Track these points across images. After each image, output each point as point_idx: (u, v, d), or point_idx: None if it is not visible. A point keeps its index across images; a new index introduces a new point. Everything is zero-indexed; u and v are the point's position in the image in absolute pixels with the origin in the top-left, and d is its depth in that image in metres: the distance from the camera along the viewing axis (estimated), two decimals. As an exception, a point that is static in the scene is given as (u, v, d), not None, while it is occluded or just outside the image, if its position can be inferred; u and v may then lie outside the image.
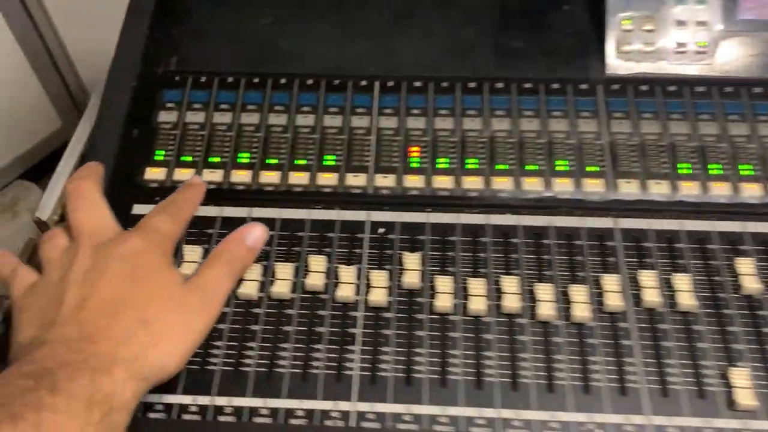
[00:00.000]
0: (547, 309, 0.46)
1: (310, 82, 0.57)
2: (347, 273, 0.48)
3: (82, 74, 1.69)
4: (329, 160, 0.54)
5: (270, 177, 0.53)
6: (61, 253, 0.46)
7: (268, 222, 0.51)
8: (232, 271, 0.45)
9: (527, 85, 0.56)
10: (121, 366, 0.39)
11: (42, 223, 0.59)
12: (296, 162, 0.54)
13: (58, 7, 1.51)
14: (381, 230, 0.51)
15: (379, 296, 0.47)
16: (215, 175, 0.53)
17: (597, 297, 0.47)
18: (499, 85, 0.56)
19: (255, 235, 0.47)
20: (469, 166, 0.53)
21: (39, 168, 1.71)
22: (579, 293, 0.47)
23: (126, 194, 0.52)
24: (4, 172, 1.60)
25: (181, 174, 0.53)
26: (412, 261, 0.48)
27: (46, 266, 0.46)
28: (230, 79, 0.57)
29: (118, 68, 0.59)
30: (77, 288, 0.42)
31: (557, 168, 0.53)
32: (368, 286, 0.48)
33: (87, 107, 0.69)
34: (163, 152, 0.54)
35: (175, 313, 0.42)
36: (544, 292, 0.47)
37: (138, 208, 0.52)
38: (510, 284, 0.47)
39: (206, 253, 0.49)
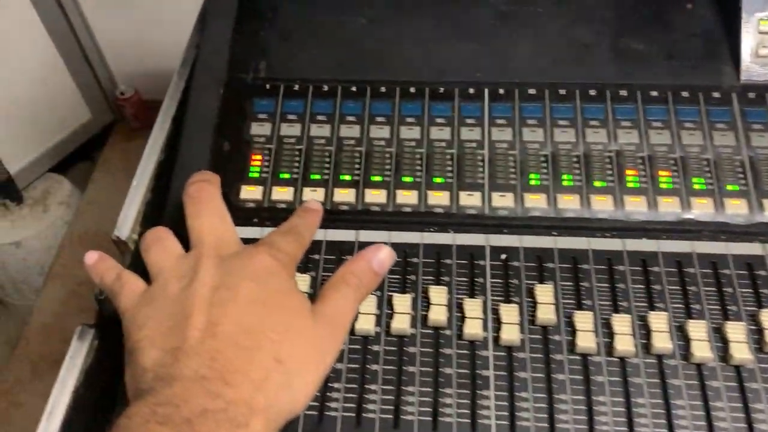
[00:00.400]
0: (701, 349, 0.41)
1: (412, 90, 0.52)
2: (473, 306, 0.43)
3: (113, 66, 1.66)
4: (439, 177, 0.49)
5: (376, 196, 0.49)
6: (177, 261, 0.41)
7: (378, 246, 0.46)
8: (357, 296, 0.41)
9: (654, 93, 0.51)
10: (260, 417, 0.34)
11: (121, 243, 0.55)
12: (403, 179, 0.49)
13: (89, -1, 1.48)
14: (503, 257, 0.46)
15: (511, 334, 0.42)
16: (317, 195, 0.49)
17: (755, 335, 0.42)
18: (623, 92, 0.51)
19: (381, 257, 0.42)
20: (597, 184, 0.48)
21: (69, 161, 1.69)
22: (735, 331, 0.42)
23: (221, 215, 0.48)
24: (34, 165, 1.57)
25: (280, 193, 0.49)
26: (544, 293, 0.44)
27: (158, 275, 0.41)
28: (325, 88, 0.53)
29: (203, 74, 0.54)
30: (205, 308, 0.37)
31: (694, 186, 0.48)
32: (497, 321, 0.43)
33: (159, 112, 0.64)
34: (259, 169, 0.50)
35: (307, 347, 0.38)
36: (696, 330, 0.42)
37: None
38: (657, 322, 0.42)
39: (314, 281, 0.45)
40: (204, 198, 0.43)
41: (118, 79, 1.69)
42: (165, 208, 0.51)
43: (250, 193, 0.49)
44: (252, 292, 0.38)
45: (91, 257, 0.45)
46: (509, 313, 0.43)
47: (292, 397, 0.36)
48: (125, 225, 0.55)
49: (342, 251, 0.46)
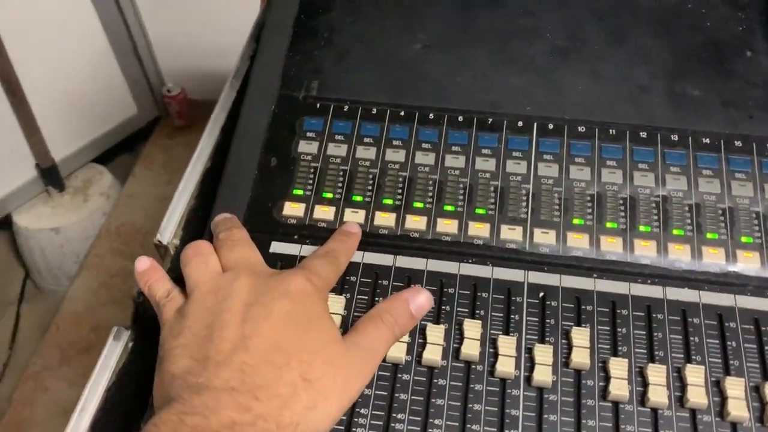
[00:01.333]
0: (737, 408, 0.40)
1: (461, 118, 0.52)
2: (506, 344, 0.43)
3: (162, 64, 1.69)
4: (481, 208, 0.49)
5: (416, 223, 0.49)
6: (214, 277, 0.42)
7: (415, 274, 0.47)
8: (392, 335, 0.41)
9: (706, 140, 0.50)
10: None
11: (162, 247, 0.56)
12: (444, 208, 0.49)
13: (146, -3, 1.51)
14: (541, 295, 0.45)
15: (543, 375, 0.42)
16: (357, 216, 0.49)
17: (795, 398, 0.41)
18: (674, 137, 0.51)
19: (420, 302, 0.42)
20: (642, 229, 0.47)
21: (111, 153, 1.72)
22: (775, 393, 0.41)
23: (263, 230, 0.49)
24: (78, 155, 1.61)
25: (322, 212, 0.49)
26: (580, 336, 0.43)
27: (195, 289, 0.42)
28: (374, 110, 0.53)
29: (256, 89, 0.55)
30: (239, 323, 0.38)
31: (741, 239, 0.47)
32: (530, 360, 0.42)
33: (209, 120, 0.65)
34: (303, 187, 0.50)
35: (335, 373, 0.38)
36: (734, 387, 0.41)
37: (276, 246, 0.48)
38: (694, 375, 0.41)
39: (349, 303, 0.45)
40: (235, 237, 0.45)
41: (166, 77, 1.72)
42: (209, 217, 0.52)
43: (293, 209, 0.49)
44: (285, 311, 0.38)
45: (143, 264, 0.46)
46: (543, 353, 0.42)
47: (316, 418, 0.36)
48: (167, 229, 0.55)
49: (378, 275, 0.47)
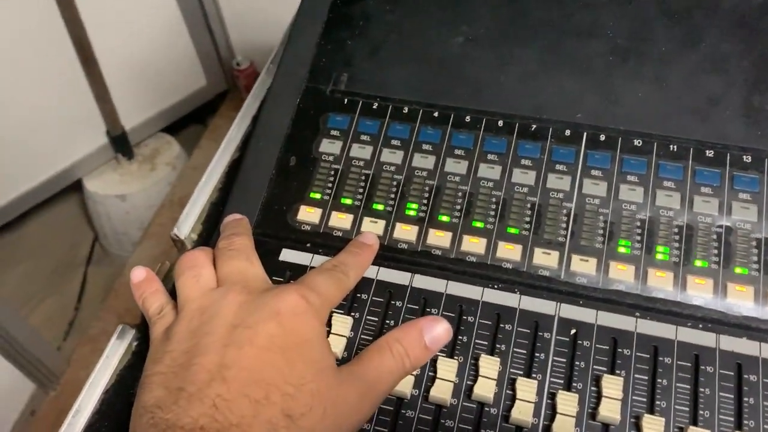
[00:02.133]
0: (794, 490, 0.34)
1: (500, 123, 0.47)
2: (526, 387, 0.38)
3: (233, 37, 1.69)
4: (514, 227, 0.44)
5: (439, 238, 0.44)
6: (204, 293, 0.39)
7: (433, 296, 0.42)
8: (401, 368, 0.37)
9: (785, 163, 0.43)
10: None
11: (179, 242, 0.54)
12: (473, 224, 0.44)
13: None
14: (572, 332, 0.40)
15: (565, 429, 0.36)
16: (376, 227, 0.45)
17: None
18: (747, 158, 0.44)
19: (436, 332, 0.38)
20: (698, 265, 0.41)
21: (180, 123, 1.74)
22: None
23: (275, 235, 0.45)
24: (147, 124, 1.63)
25: (338, 219, 0.45)
26: (613, 385, 0.38)
27: (184, 306, 0.39)
28: (405, 110, 0.48)
29: (281, 80, 0.51)
30: (219, 348, 0.35)
31: (820, 284, 0.40)
32: (552, 408, 0.37)
33: (241, 109, 0.62)
34: (321, 190, 0.46)
35: (324, 407, 0.34)
36: (792, 464, 0.35)
37: (286, 254, 0.45)
38: (744, 445, 0.35)
39: (356, 324, 0.41)
40: (234, 246, 0.41)
41: (236, 50, 1.72)
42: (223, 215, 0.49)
43: (308, 215, 0.46)
44: (272, 334, 0.35)
45: (138, 275, 0.43)
46: (568, 402, 0.37)
47: None
48: (186, 223, 0.53)
49: (392, 294, 0.42)
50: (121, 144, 1.59)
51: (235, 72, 1.71)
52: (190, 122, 1.81)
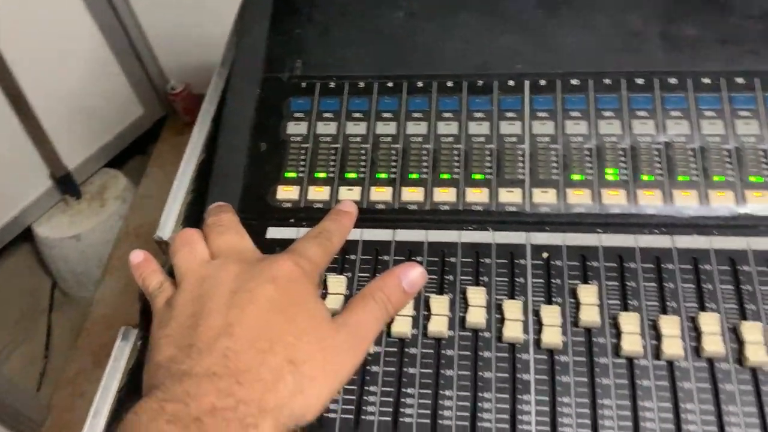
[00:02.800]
0: (756, 354, 0.39)
1: (450, 84, 0.51)
2: (512, 308, 0.42)
3: (163, 62, 1.69)
4: (478, 173, 0.48)
5: (413, 194, 0.48)
6: (201, 265, 0.42)
7: (415, 246, 0.46)
8: (384, 313, 0.40)
9: (706, 81, 0.48)
10: (269, 418, 0.34)
11: (163, 243, 0.56)
12: (441, 176, 0.48)
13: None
14: (545, 255, 0.44)
15: (553, 336, 0.41)
16: (353, 194, 0.48)
17: (816, 338, 0.39)
18: (672, 80, 0.49)
19: (412, 277, 0.41)
20: (645, 179, 0.46)
21: (123, 156, 1.73)
22: (795, 334, 0.39)
23: (258, 216, 0.48)
24: (91, 161, 1.62)
25: (316, 193, 0.48)
26: (588, 294, 0.42)
27: (183, 278, 0.42)
28: (362, 84, 0.52)
29: (239, 74, 0.54)
30: (223, 309, 0.38)
31: (750, 179, 0.45)
32: (538, 323, 0.41)
33: (199, 114, 0.64)
34: (295, 169, 0.49)
35: (324, 355, 0.37)
36: (751, 332, 0.39)
37: (272, 232, 0.47)
38: (709, 323, 0.40)
39: (350, 283, 0.45)
40: (223, 223, 0.44)
41: (169, 75, 1.72)
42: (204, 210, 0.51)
43: (286, 193, 0.49)
44: (271, 296, 0.38)
45: (137, 257, 0.46)
46: (551, 314, 0.41)
47: (304, 402, 0.35)
48: (167, 226, 0.55)
49: (378, 251, 0.46)
50: (67, 185, 1.58)
51: (171, 96, 1.71)
52: (133, 153, 1.81)
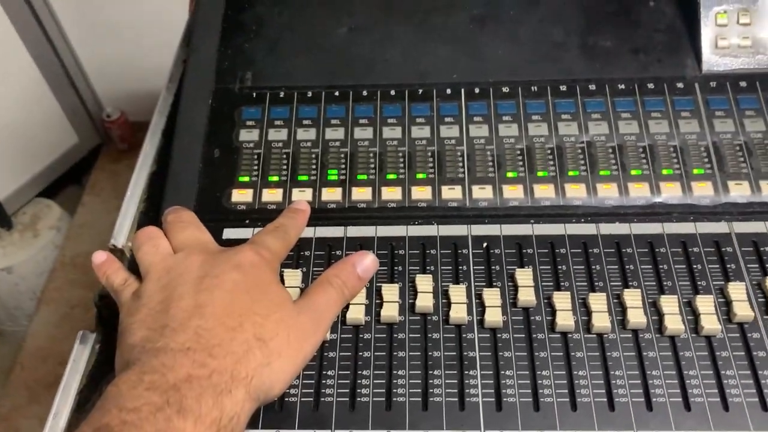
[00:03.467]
0: (674, 323, 0.43)
1: (393, 92, 0.55)
2: (457, 292, 0.45)
3: (98, 90, 1.68)
4: (421, 173, 0.51)
5: (362, 194, 0.51)
6: (165, 257, 0.44)
7: (366, 241, 0.49)
8: (341, 297, 0.43)
9: (621, 86, 0.54)
10: (241, 385, 0.37)
11: (117, 251, 0.57)
12: (388, 177, 0.51)
13: (73, 24, 1.50)
14: (484, 245, 0.48)
15: (494, 316, 0.44)
16: (305, 195, 0.51)
17: (723, 307, 0.44)
18: (592, 87, 0.54)
19: (365, 263, 0.45)
20: (571, 174, 0.51)
21: (57, 185, 1.70)
22: (705, 305, 0.44)
23: (214, 218, 0.50)
24: (22, 191, 1.58)
25: (270, 195, 0.51)
26: (524, 277, 0.46)
27: (149, 270, 0.43)
28: (310, 94, 0.55)
29: (191, 86, 0.56)
30: (193, 293, 0.40)
31: (663, 172, 0.50)
32: (481, 305, 0.45)
33: (150, 126, 0.66)
34: (248, 173, 0.52)
35: (288, 333, 0.40)
36: (668, 305, 0.44)
37: (228, 233, 0.50)
38: (632, 299, 0.44)
39: (305, 277, 0.47)
40: (184, 219, 0.46)
41: (104, 102, 1.71)
42: (159, 217, 0.53)
43: (241, 196, 0.51)
44: (237, 280, 0.40)
45: (100, 257, 0.47)
46: (492, 296, 0.45)
47: (271, 376, 0.38)
48: (121, 233, 0.57)
49: (331, 247, 0.49)
50: (-3, 216, 1.54)
51: (107, 124, 1.70)
52: (67, 182, 1.77)
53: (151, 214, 0.57)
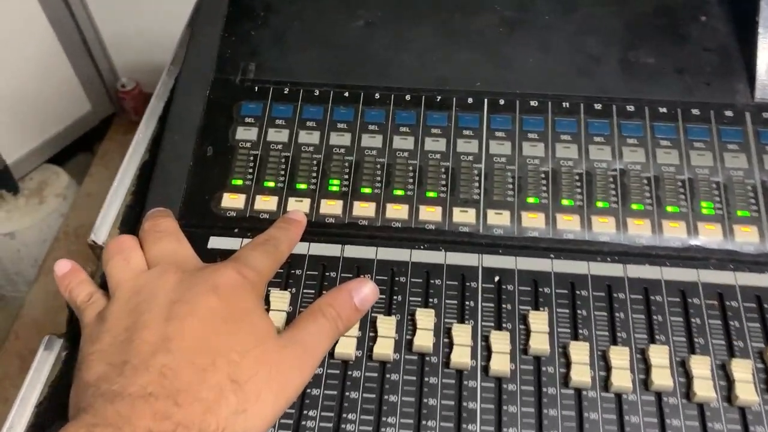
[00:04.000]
0: (704, 389, 0.38)
1: (408, 97, 0.50)
2: (461, 333, 0.40)
3: (114, 58, 1.64)
4: (432, 191, 0.46)
5: (364, 209, 0.46)
6: (137, 274, 0.39)
7: (364, 263, 0.44)
8: (334, 330, 0.38)
9: (662, 110, 0.48)
10: None
11: (97, 248, 0.53)
12: (394, 192, 0.46)
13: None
14: (496, 278, 0.43)
15: (501, 364, 0.39)
16: (302, 205, 0.46)
17: (761, 374, 0.39)
18: (630, 108, 0.48)
19: (364, 293, 0.40)
20: (600, 206, 0.45)
21: (67, 152, 1.67)
22: (741, 370, 0.39)
23: (200, 224, 0.45)
24: (31, 156, 1.56)
25: (263, 202, 0.46)
26: (538, 321, 0.41)
27: (117, 288, 0.39)
28: (317, 92, 0.50)
29: (188, 73, 0.51)
30: (161, 322, 0.35)
31: (703, 211, 0.45)
32: (487, 349, 0.40)
33: (146, 111, 0.62)
34: (242, 176, 0.47)
35: (269, 371, 0.35)
36: (699, 366, 0.39)
37: (215, 241, 0.45)
38: (658, 356, 0.39)
39: (294, 299, 0.42)
40: (161, 228, 0.41)
41: (120, 72, 1.67)
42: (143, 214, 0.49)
43: (232, 201, 0.46)
44: (212, 307, 0.36)
45: (63, 267, 0.43)
46: (500, 341, 0.40)
47: (246, 424, 0.33)
48: (102, 228, 0.52)
49: (326, 267, 0.44)
50: (3, 179, 1.51)
51: (121, 94, 1.66)
52: (77, 151, 1.74)
53: (137, 209, 0.53)
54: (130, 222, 0.52)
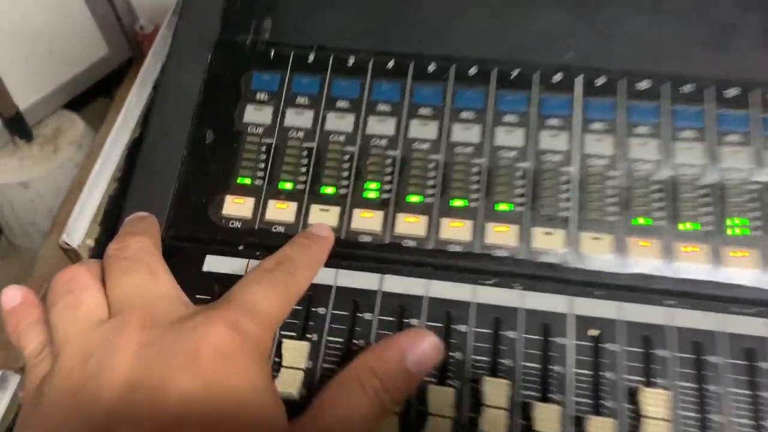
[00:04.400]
0: None
1: (472, 71, 0.37)
2: (546, 416, 0.29)
3: (133, -1, 1.53)
4: (504, 203, 0.34)
5: (411, 225, 0.34)
6: (88, 328, 0.28)
7: (411, 301, 0.32)
8: (380, 408, 0.27)
9: (825, 98, 0.35)
10: None
11: (71, 251, 0.42)
12: (452, 203, 0.34)
13: None
14: (592, 333, 0.31)
15: (600, 465, 0.28)
16: (328, 216, 0.34)
17: None
18: (780, 95, 0.35)
19: (422, 351, 0.28)
20: (735, 232, 0.33)
21: (84, 98, 1.57)
22: None
23: (194, 237, 0.34)
24: (46, 102, 1.46)
25: (277, 211, 0.35)
26: (655, 402, 0.29)
27: (62, 348, 0.28)
28: (351, 61, 0.38)
29: (184, 32, 0.39)
30: (109, 423, 0.24)
31: None
32: (580, 440, 0.29)
33: (139, 73, 0.50)
34: (252, 173, 0.35)
35: None
36: None
37: (212, 262, 0.34)
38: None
39: (314, 350, 0.31)
40: (129, 254, 0.30)
41: (139, 13, 1.56)
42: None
43: (237, 207, 0.35)
44: (189, 396, 0.24)
45: (12, 297, 0.32)
46: (601, 429, 0.29)
47: None
48: (76, 228, 0.41)
49: (358, 304, 0.32)
50: (16, 125, 1.42)
51: (140, 37, 1.55)
52: (94, 95, 1.65)
53: (123, 201, 0.41)
54: (114, 217, 0.41)
